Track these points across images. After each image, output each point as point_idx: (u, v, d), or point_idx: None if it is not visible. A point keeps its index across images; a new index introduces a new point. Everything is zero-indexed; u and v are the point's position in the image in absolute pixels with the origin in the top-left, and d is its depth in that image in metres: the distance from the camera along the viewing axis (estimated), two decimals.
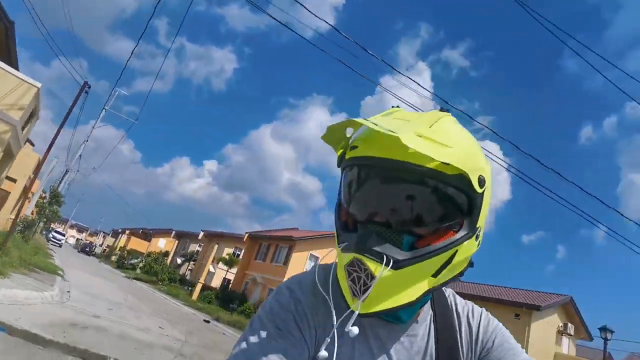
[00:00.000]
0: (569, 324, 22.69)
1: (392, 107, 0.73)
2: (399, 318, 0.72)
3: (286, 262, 28.11)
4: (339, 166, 0.71)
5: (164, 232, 52.40)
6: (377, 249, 0.60)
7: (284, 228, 35.66)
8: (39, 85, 11.65)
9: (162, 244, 53.10)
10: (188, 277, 37.68)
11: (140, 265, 38.18)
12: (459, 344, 0.76)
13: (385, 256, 0.60)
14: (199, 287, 28.40)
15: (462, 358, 0.75)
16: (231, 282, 32.59)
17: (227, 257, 31.87)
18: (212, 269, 32.69)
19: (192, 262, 39.85)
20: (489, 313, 0.83)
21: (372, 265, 0.60)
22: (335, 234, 0.68)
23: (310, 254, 28.37)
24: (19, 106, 11.28)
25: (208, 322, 17.19)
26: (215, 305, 25.16)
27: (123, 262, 43.81)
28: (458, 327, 0.78)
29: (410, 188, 0.63)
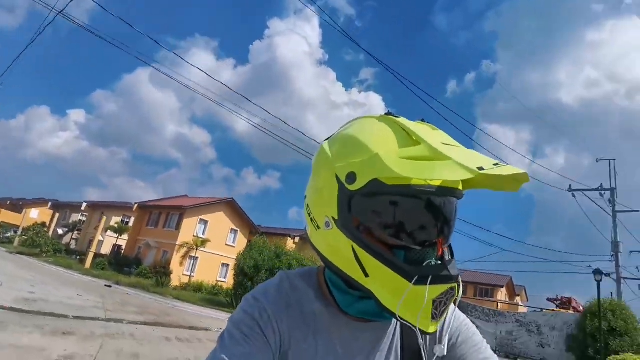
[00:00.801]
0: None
1: (422, 120, 0.70)
2: (382, 315, 0.69)
3: (178, 227, 31.05)
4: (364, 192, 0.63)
5: (38, 203, 49.19)
6: (457, 273, 0.63)
7: (173, 196, 37.85)
8: None
9: (35, 214, 49.99)
10: (73, 247, 37.78)
11: (21, 237, 36.67)
12: (426, 341, 0.77)
13: (459, 277, 0.64)
14: (90, 255, 29.70)
15: (424, 355, 0.74)
16: (122, 248, 34.34)
17: (116, 225, 33.31)
18: (100, 237, 33.72)
19: (76, 232, 39.59)
20: (455, 308, 0.80)
21: (457, 289, 0.63)
22: (391, 268, 0.61)
23: (200, 218, 31.71)
24: None
25: (110, 286, 19.86)
26: (111, 271, 27.24)
27: None
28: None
29: (455, 207, 0.68)
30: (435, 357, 0.67)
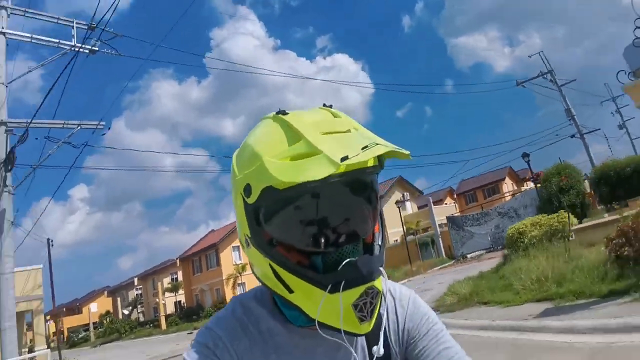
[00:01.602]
0: (405, 194, 35.77)
1: (279, 112, 0.65)
2: None
3: (218, 264, 35.12)
4: (246, 201, 0.61)
5: (92, 297, 53.79)
6: (376, 266, 0.60)
7: (203, 236, 41.82)
8: None
9: (94, 307, 54.67)
10: (142, 319, 42.42)
11: (96, 332, 41.36)
12: (389, 336, 0.75)
13: (382, 270, 0.61)
14: (162, 319, 34.15)
15: (391, 347, 0.74)
16: (183, 301, 38.85)
17: (169, 285, 37.72)
18: (162, 301, 38.12)
19: (139, 306, 44.19)
20: (417, 296, 0.81)
21: (377, 283, 0.60)
22: (306, 281, 0.59)
23: (232, 246, 35.27)
24: None
25: (191, 333, 24.11)
26: (185, 323, 31.69)
27: (73, 340, 45.65)
28: (387, 313, 0.76)
29: (367, 188, 0.64)
30: (375, 358, 0.66)
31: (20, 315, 13.40)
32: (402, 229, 27.45)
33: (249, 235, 0.64)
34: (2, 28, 11.79)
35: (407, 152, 0.58)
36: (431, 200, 29.26)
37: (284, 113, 0.65)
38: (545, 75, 25.79)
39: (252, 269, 0.71)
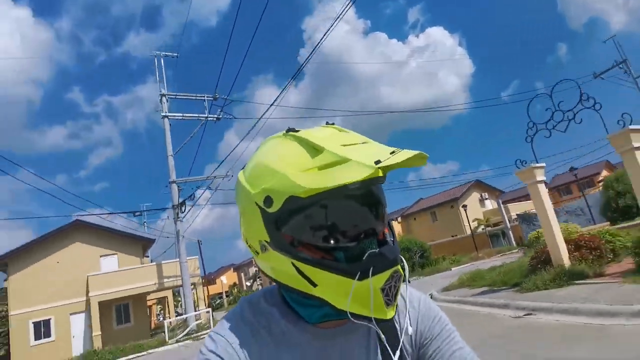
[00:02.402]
0: (484, 194, 38.27)
1: (327, 123, 0.74)
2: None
3: None
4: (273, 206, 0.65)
5: (222, 272, 66.59)
6: (398, 253, 0.66)
7: None
8: None
9: (224, 280, 67.45)
10: None
11: (228, 299, 52.64)
12: (399, 335, 0.76)
13: (400, 256, 0.67)
14: None
15: (404, 347, 0.75)
16: None
17: None
18: None
19: (258, 279, 54.37)
20: (427, 297, 0.83)
21: (401, 269, 0.65)
22: (333, 272, 0.63)
23: None
24: None
25: None
26: None
27: (212, 305, 58.22)
28: (397, 314, 0.78)
29: (380, 191, 0.71)
30: (400, 344, 0.71)
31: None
32: (470, 224, 31.68)
33: (268, 241, 0.68)
34: (165, 112, 18.92)
35: (426, 156, 0.63)
36: (500, 201, 32.91)
37: (295, 131, 0.71)
38: (621, 65, 25.73)
39: (263, 273, 0.75)
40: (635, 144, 7.70)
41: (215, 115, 18.78)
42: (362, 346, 0.76)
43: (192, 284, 21.16)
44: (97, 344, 19.68)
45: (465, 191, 38.37)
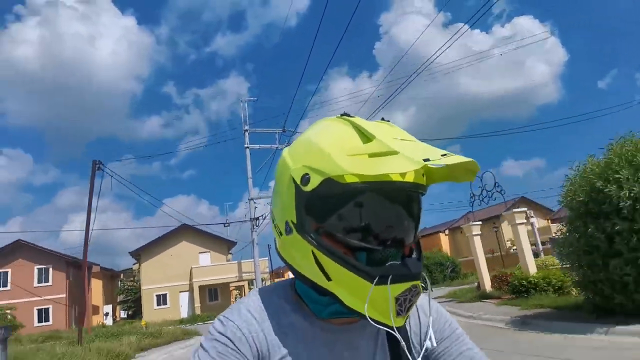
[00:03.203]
0: (528, 211, 40.13)
1: (343, 115, 0.71)
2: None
3: None
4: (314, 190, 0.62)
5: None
6: (421, 270, 0.64)
7: None
8: None
9: (290, 275, 75.87)
10: None
11: None
12: (409, 337, 0.77)
13: (424, 275, 0.66)
14: None
15: (412, 350, 0.75)
16: None
17: None
18: None
19: None
20: (440, 305, 0.84)
21: (420, 287, 0.64)
22: (351, 270, 0.61)
23: None
24: None
25: None
26: None
27: None
28: (409, 318, 0.77)
29: (419, 203, 0.68)
30: (424, 349, 0.69)
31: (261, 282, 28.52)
32: (504, 242, 34.52)
33: (294, 222, 0.65)
34: (247, 144, 26.33)
35: (476, 169, 0.61)
36: (535, 222, 34.80)
37: (349, 116, 0.69)
38: None
39: (281, 258, 0.73)
40: (518, 221, 12.94)
41: (284, 146, 25.77)
42: (369, 344, 0.75)
43: (262, 278, 28.70)
44: (197, 312, 28.48)
45: (508, 208, 40.27)
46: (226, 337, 0.67)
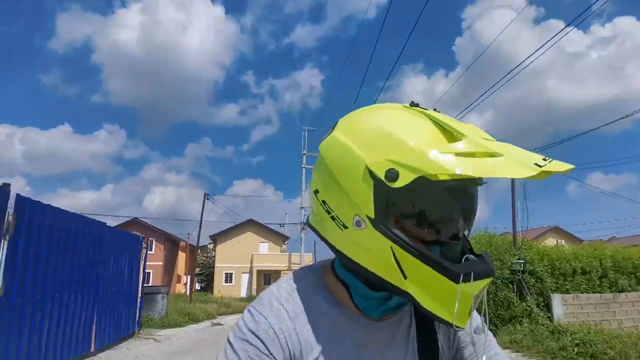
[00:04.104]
0: (560, 241, 41.83)
1: (412, 104, 0.66)
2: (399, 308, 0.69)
3: None
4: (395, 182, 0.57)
5: None
6: (493, 266, 0.61)
7: None
8: None
9: None
10: None
11: None
12: (437, 336, 0.75)
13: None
14: None
15: (440, 350, 0.74)
16: None
17: None
18: None
19: None
20: None
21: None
22: (434, 268, 0.58)
23: None
24: None
25: None
26: None
27: None
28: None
29: (477, 198, 0.66)
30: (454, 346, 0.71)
31: None
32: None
33: (371, 216, 0.60)
34: (304, 165, 32.55)
35: (570, 169, 0.56)
36: None
37: (419, 106, 0.65)
38: None
39: (336, 250, 0.65)
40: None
41: None
42: (402, 343, 0.72)
43: None
44: (254, 293, 35.59)
45: (538, 235, 42.17)
46: (258, 337, 0.65)
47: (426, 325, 0.75)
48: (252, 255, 37.69)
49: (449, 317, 0.58)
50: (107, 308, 8.25)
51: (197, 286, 42.24)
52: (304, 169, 32.65)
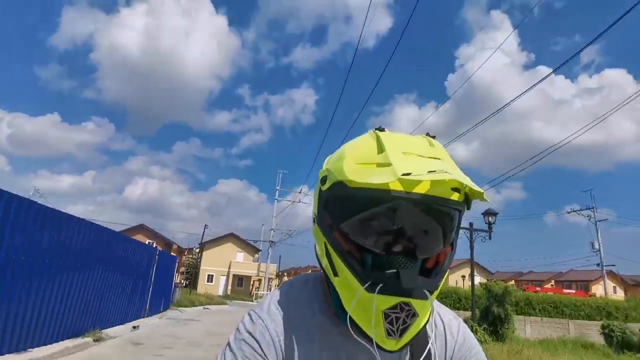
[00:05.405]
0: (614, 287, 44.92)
1: (377, 129, 0.72)
2: None
3: None
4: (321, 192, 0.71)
5: (300, 270, 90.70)
6: (421, 287, 0.60)
7: None
8: None
9: None
10: None
11: None
12: (433, 356, 0.74)
13: (428, 293, 0.60)
14: None
15: None
16: None
17: None
18: None
19: None
20: (467, 328, 0.81)
21: (417, 305, 0.60)
22: (349, 269, 0.62)
23: None
24: None
25: None
26: None
27: None
28: (434, 338, 0.76)
29: (443, 218, 0.65)
30: None
31: None
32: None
33: (315, 214, 0.73)
34: (277, 198, 42.84)
35: (481, 191, 0.58)
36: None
37: (382, 130, 0.72)
38: None
39: (315, 248, 0.75)
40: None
41: (303, 202, 41.11)
42: (394, 353, 0.68)
43: (269, 278, 45.35)
44: (229, 292, 45.25)
45: (454, 266, 50.91)
46: (254, 338, 0.68)
47: (422, 348, 0.73)
48: (230, 262, 47.47)
49: (367, 328, 0.61)
50: (155, 294, 14.85)
51: (183, 284, 51.92)
52: (276, 203, 42.76)
